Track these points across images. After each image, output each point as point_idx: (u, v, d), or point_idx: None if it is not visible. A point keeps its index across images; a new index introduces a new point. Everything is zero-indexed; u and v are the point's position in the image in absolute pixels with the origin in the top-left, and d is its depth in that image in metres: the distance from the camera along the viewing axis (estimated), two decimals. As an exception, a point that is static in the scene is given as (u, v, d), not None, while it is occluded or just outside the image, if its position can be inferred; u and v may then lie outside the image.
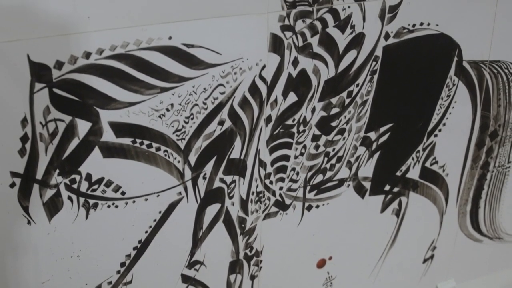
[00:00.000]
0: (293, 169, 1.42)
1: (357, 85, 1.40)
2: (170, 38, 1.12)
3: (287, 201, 1.46)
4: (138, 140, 1.17)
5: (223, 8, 1.16)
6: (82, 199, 1.15)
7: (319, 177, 1.47)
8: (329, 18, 1.28)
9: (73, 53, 1.04)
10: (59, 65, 1.04)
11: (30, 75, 1.02)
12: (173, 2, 1.10)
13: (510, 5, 1.56)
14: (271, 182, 1.40)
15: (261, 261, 1.49)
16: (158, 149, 1.20)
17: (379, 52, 1.40)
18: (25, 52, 1.00)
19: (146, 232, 1.27)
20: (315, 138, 1.41)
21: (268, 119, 1.31)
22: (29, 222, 1.12)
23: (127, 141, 1.16)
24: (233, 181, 1.34)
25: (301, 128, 1.37)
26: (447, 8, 1.46)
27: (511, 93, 1.73)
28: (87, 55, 1.06)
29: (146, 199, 1.23)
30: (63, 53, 1.04)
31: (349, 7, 1.30)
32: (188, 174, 1.26)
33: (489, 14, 1.55)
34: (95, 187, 1.16)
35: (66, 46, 1.04)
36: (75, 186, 1.14)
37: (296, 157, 1.40)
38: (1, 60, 0.99)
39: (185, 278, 1.38)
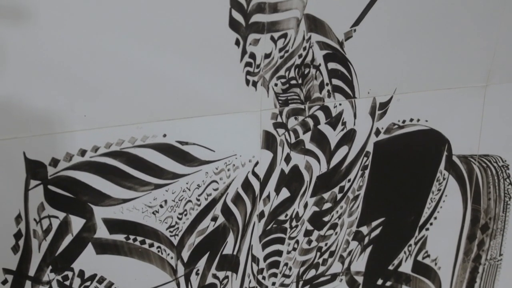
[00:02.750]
0: (286, 264, 1.41)
1: (349, 180, 1.42)
2: (164, 135, 1.14)
3: (280, 297, 1.45)
4: (132, 237, 1.17)
5: (216, 106, 1.18)
6: (74, 296, 1.15)
7: (312, 272, 1.47)
8: (320, 115, 1.31)
9: (69, 151, 1.06)
10: (54, 162, 1.04)
11: (26, 172, 1.02)
12: (167, 101, 1.12)
13: (497, 100, 1.60)
14: (264, 278, 1.39)
15: None
16: (151, 245, 1.20)
17: (370, 147, 1.42)
18: (21, 149, 1.01)
19: (138, 329, 1.25)
20: (308, 233, 1.41)
21: (261, 215, 1.32)
22: (19, 320, 1.10)
23: (120, 237, 1.15)
24: (226, 277, 1.33)
25: (294, 223, 1.37)
26: (436, 104, 1.49)
27: (501, 187, 1.74)
28: (83, 152, 1.07)
29: (138, 296, 1.22)
30: (58, 150, 1.05)
31: (340, 104, 1.32)
32: (181, 270, 1.26)
33: (477, 109, 1.59)
34: (88, 283, 1.15)
35: (62, 143, 1.05)
36: (67, 282, 1.13)
37: (288, 252, 1.40)
38: (-3, 157, 1.00)
39: None
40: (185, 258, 1.25)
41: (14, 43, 0.95)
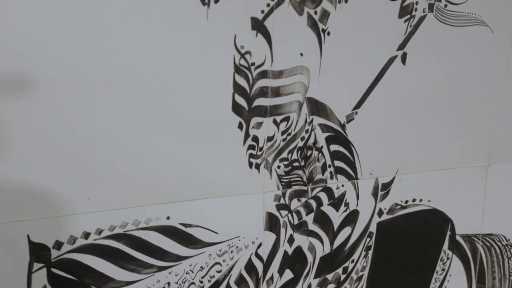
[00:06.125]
0: None
1: (352, 261, 1.41)
2: (168, 218, 1.15)
3: None
4: (134, 320, 1.16)
5: (220, 188, 1.19)
6: None
7: None
8: (323, 196, 1.32)
9: (73, 234, 1.06)
10: (58, 245, 1.05)
11: (29, 255, 1.03)
12: (171, 183, 1.13)
13: (499, 179, 1.60)
14: None
15: None
16: (154, 328, 1.19)
17: (373, 228, 1.42)
18: (26, 232, 1.02)
19: None
20: (312, 315, 1.40)
21: (264, 297, 1.31)
22: None
23: (123, 320, 1.15)
24: None
25: (297, 305, 1.37)
26: (438, 184, 1.50)
27: (505, 266, 1.73)
28: (86, 235, 1.07)
29: None
30: (62, 233, 1.05)
31: (342, 185, 1.33)
32: None
33: (480, 188, 1.59)
34: None
35: (66, 226, 1.05)
36: None
37: (292, 335, 1.39)
38: (1, 240, 1.00)
39: None
40: None
41: (18, 125, 0.97)
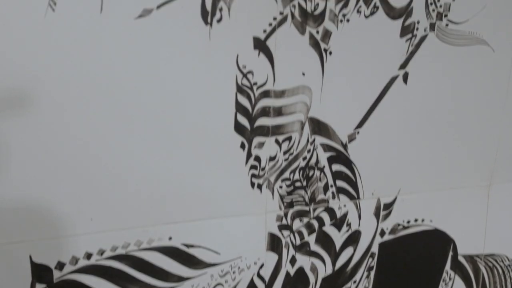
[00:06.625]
0: None
1: (355, 282, 1.41)
2: (170, 238, 1.14)
3: None
4: None
5: (221, 209, 1.19)
6: None
7: None
8: (325, 216, 1.31)
9: (75, 254, 1.06)
10: (60, 266, 1.05)
11: (31, 276, 1.03)
12: (173, 204, 1.13)
13: (501, 199, 1.60)
14: None
15: None
16: None
17: (375, 248, 1.41)
18: (28, 253, 1.02)
19: None
20: (314, 336, 1.39)
21: (267, 318, 1.31)
22: None
23: None
24: None
25: (300, 327, 1.36)
26: (440, 203, 1.50)
27: (508, 286, 1.72)
28: (88, 256, 1.07)
29: None
30: (65, 253, 1.05)
31: (344, 205, 1.33)
32: None
33: (482, 208, 1.59)
34: None
35: (68, 247, 1.05)
36: None
37: None
38: (3, 260, 1.00)
39: None
40: None
41: (19, 144, 0.97)
